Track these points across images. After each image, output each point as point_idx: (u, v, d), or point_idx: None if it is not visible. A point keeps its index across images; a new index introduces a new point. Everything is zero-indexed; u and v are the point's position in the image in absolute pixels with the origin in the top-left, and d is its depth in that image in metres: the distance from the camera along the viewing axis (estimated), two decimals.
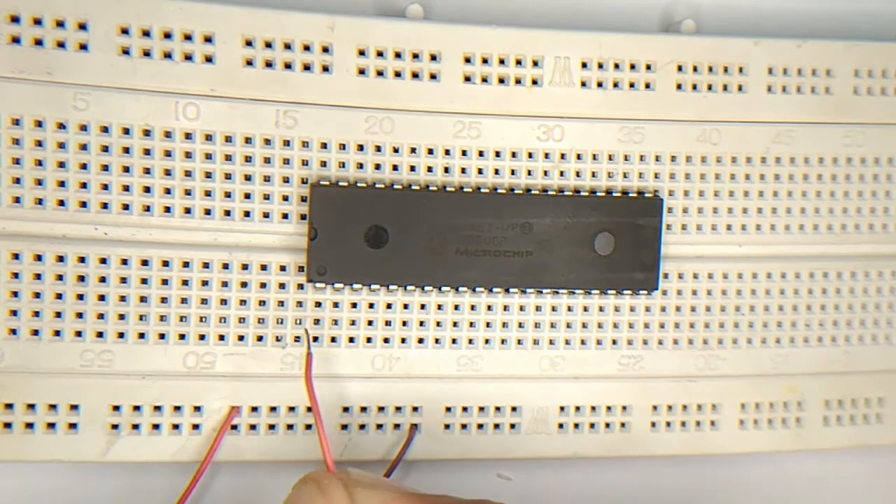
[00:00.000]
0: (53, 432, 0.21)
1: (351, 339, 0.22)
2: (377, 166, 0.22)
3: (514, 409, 0.23)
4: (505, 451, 0.23)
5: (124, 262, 0.21)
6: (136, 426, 0.22)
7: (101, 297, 0.21)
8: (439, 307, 0.23)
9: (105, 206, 0.21)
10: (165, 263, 0.22)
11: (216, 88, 0.21)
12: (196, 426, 0.22)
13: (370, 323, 0.22)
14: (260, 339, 0.22)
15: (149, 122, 0.21)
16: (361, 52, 0.22)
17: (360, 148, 0.22)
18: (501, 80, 0.22)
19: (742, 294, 0.24)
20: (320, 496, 0.15)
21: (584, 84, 0.23)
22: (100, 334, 0.21)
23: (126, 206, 0.21)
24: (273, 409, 0.22)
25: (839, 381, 0.25)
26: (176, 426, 0.22)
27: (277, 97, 0.22)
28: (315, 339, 0.22)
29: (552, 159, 0.23)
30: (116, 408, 0.21)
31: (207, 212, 0.22)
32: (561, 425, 0.23)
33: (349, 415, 0.22)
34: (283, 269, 0.22)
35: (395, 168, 0.22)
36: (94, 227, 0.21)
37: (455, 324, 0.23)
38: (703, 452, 0.24)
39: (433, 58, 0.22)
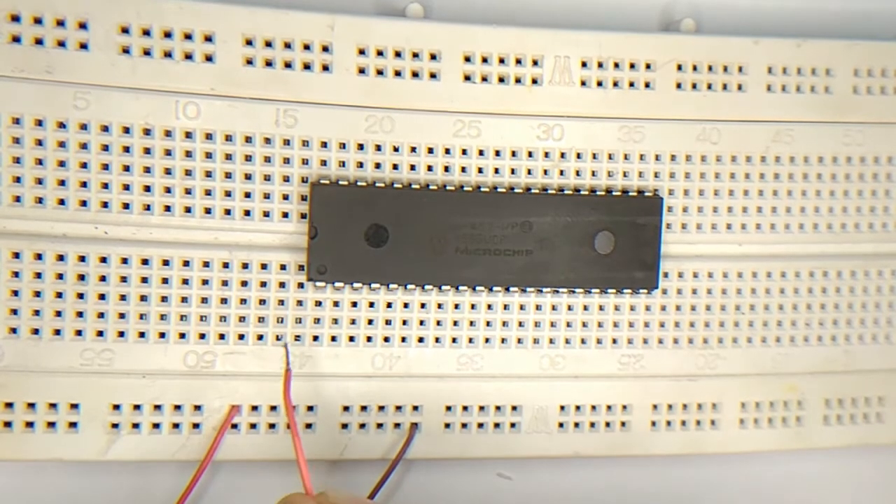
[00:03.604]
0: (54, 431, 0.21)
1: (351, 338, 0.22)
2: (377, 165, 0.22)
3: (514, 408, 0.23)
4: (505, 450, 0.23)
5: (124, 260, 0.21)
6: (136, 425, 0.22)
7: (102, 296, 0.21)
8: (439, 306, 0.23)
9: (105, 204, 0.21)
10: (166, 262, 0.22)
11: (216, 87, 0.21)
12: (196, 425, 0.22)
13: (370, 322, 0.22)
14: (260, 338, 0.22)
15: (149, 121, 0.21)
16: (361, 52, 0.22)
17: (361, 147, 0.22)
18: (501, 80, 0.23)
19: (742, 293, 0.24)
20: None
21: (583, 83, 0.23)
22: (100, 333, 0.21)
23: (126, 205, 0.21)
24: (273, 408, 0.22)
25: (839, 381, 0.25)
26: (176, 425, 0.22)
27: (277, 96, 0.22)
28: (315, 338, 0.22)
29: (552, 158, 0.23)
30: (117, 407, 0.21)
31: (208, 211, 0.22)
32: (561, 424, 0.23)
33: (349, 414, 0.22)
34: (283, 267, 0.22)
35: (395, 167, 0.22)
36: (94, 226, 0.21)
37: (455, 323, 0.23)
38: (704, 452, 0.24)
39: (433, 57, 0.22)
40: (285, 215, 0.22)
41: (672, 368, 0.24)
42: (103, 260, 0.21)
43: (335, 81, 0.22)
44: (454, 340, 0.23)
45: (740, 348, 0.24)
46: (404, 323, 0.23)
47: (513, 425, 0.23)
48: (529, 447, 0.23)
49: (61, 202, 0.21)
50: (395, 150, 0.22)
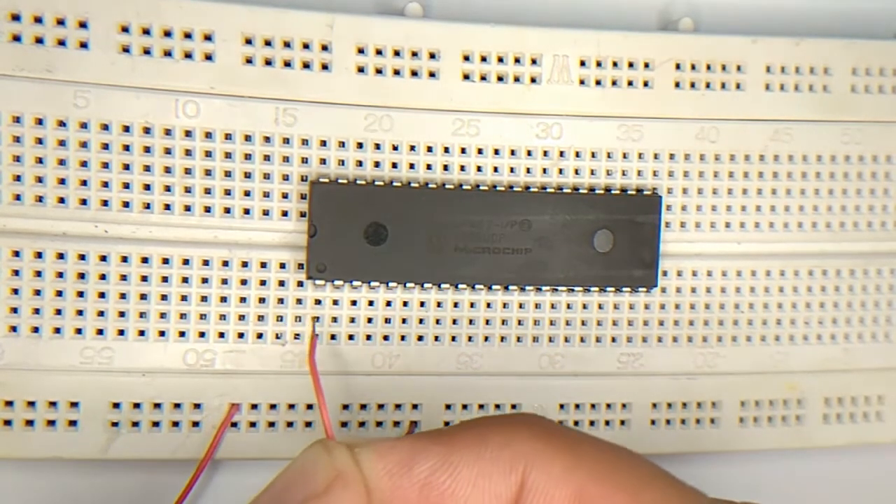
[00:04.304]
0: (53, 429, 0.21)
1: (350, 337, 0.22)
2: (376, 164, 0.22)
3: (513, 406, 0.23)
4: None
5: (124, 259, 0.21)
6: (136, 423, 0.22)
7: (102, 295, 0.21)
8: (438, 304, 0.23)
9: (105, 203, 0.21)
10: (165, 261, 0.22)
11: (216, 86, 0.21)
12: (196, 423, 0.22)
13: (369, 320, 0.22)
14: (260, 336, 0.22)
15: (149, 120, 0.21)
16: (360, 51, 0.22)
17: (360, 146, 0.22)
18: (500, 79, 0.23)
19: (741, 292, 0.24)
20: (325, 453, 0.16)
21: (582, 82, 0.23)
22: (100, 332, 0.21)
23: (126, 204, 0.21)
24: (273, 406, 0.22)
25: (839, 379, 0.25)
26: (176, 423, 0.22)
27: (277, 95, 0.22)
28: (314, 336, 0.22)
29: (551, 157, 0.23)
30: (116, 405, 0.22)
31: (207, 209, 0.22)
32: (560, 423, 0.23)
33: (349, 412, 0.22)
34: (282, 266, 0.22)
35: (394, 166, 0.22)
36: (94, 225, 0.21)
37: (454, 321, 0.23)
38: (703, 450, 0.24)
39: (432, 56, 0.22)
40: (285, 214, 0.22)
41: (671, 367, 0.24)
42: (103, 258, 0.21)
43: (334, 80, 0.22)
44: (453, 339, 0.23)
45: (740, 347, 0.24)
46: (403, 321, 0.23)
47: None
48: None
49: (61, 200, 0.21)
50: (395, 148, 0.22)
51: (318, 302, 0.22)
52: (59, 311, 0.21)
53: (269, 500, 0.16)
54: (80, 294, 0.21)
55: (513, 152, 0.23)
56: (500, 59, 0.23)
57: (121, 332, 0.21)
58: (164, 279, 0.22)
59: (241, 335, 0.22)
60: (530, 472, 0.16)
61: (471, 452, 0.16)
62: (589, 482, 0.16)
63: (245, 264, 0.22)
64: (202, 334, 0.22)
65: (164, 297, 0.22)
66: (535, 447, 0.16)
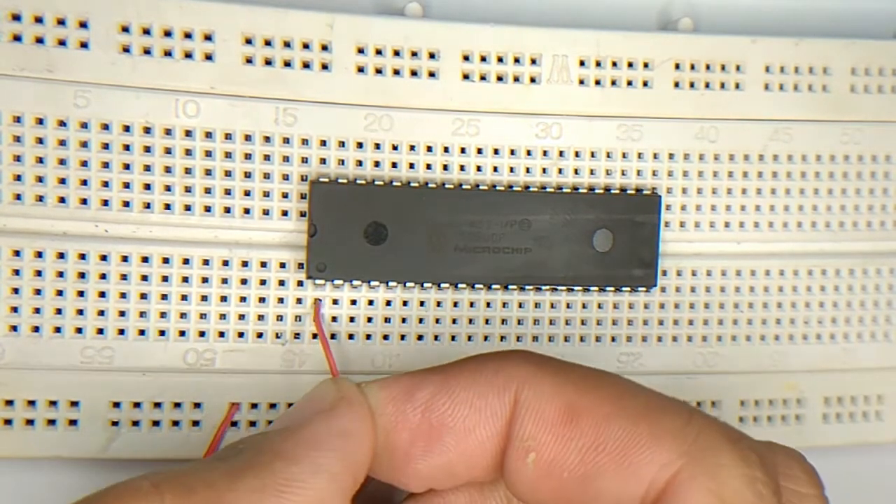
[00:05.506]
0: (54, 429, 0.21)
1: (350, 336, 0.22)
2: (376, 163, 0.22)
3: None
4: None
5: (125, 258, 0.21)
6: (136, 423, 0.22)
7: (102, 294, 0.21)
8: (439, 304, 0.23)
9: (105, 203, 0.21)
10: (166, 260, 0.22)
11: (216, 86, 0.21)
12: (196, 423, 0.22)
13: (369, 320, 0.23)
14: (260, 335, 0.22)
15: (149, 120, 0.21)
16: (360, 50, 0.22)
17: (360, 145, 0.22)
18: (500, 78, 0.23)
19: (741, 291, 0.24)
20: (334, 387, 0.18)
21: (582, 82, 0.23)
22: (100, 331, 0.21)
23: (126, 204, 0.21)
24: (273, 405, 0.22)
25: (839, 379, 0.25)
26: (176, 423, 0.22)
27: (277, 95, 0.22)
28: (314, 335, 0.22)
29: (551, 157, 0.23)
30: (117, 404, 0.22)
31: (207, 209, 0.22)
32: None
33: None
34: (282, 265, 0.22)
35: (394, 165, 0.22)
36: (94, 224, 0.21)
37: (454, 321, 0.23)
38: None
39: (432, 56, 0.22)
40: (285, 213, 0.22)
41: (671, 366, 0.24)
42: (103, 258, 0.21)
43: (334, 80, 0.22)
44: (453, 338, 0.23)
45: (739, 346, 0.24)
46: (403, 321, 0.23)
47: None
48: None
49: (62, 200, 0.21)
50: (394, 148, 0.22)
51: (317, 301, 0.22)
52: (59, 311, 0.21)
53: (281, 422, 0.17)
54: (81, 293, 0.21)
55: (512, 152, 0.23)
56: (500, 59, 0.23)
57: (121, 332, 0.22)
58: (165, 278, 0.22)
59: (241, 334, 0.22)
60: (522, 391, 0.18)
61: (467, 379, 0.18)
62: (577, 396, 0.18)
63: (245, 264, 0.22)
64: (202, 333, 0.22)
65: (164, 297, 0.22)
66: (526, 370, 0.18)
